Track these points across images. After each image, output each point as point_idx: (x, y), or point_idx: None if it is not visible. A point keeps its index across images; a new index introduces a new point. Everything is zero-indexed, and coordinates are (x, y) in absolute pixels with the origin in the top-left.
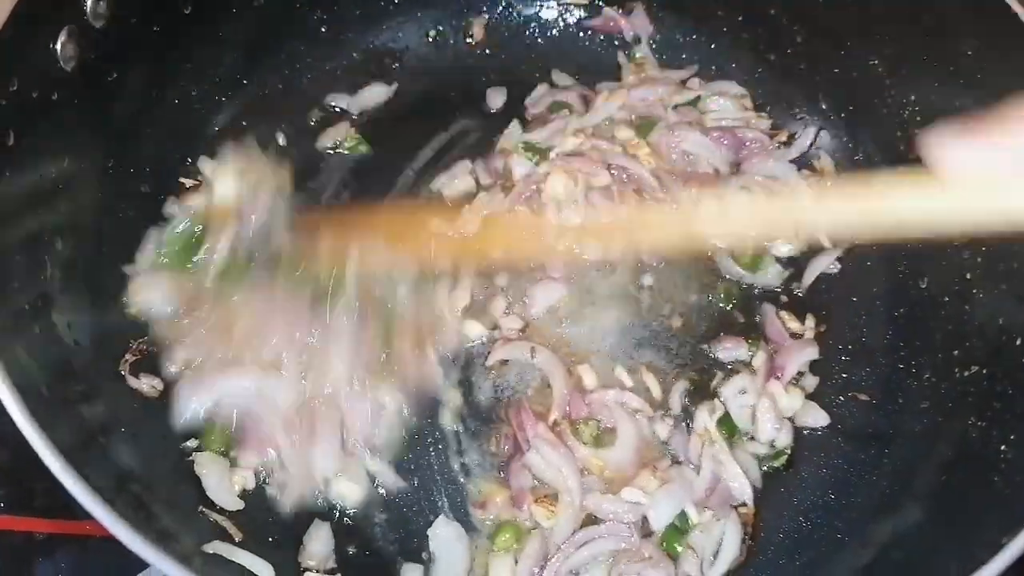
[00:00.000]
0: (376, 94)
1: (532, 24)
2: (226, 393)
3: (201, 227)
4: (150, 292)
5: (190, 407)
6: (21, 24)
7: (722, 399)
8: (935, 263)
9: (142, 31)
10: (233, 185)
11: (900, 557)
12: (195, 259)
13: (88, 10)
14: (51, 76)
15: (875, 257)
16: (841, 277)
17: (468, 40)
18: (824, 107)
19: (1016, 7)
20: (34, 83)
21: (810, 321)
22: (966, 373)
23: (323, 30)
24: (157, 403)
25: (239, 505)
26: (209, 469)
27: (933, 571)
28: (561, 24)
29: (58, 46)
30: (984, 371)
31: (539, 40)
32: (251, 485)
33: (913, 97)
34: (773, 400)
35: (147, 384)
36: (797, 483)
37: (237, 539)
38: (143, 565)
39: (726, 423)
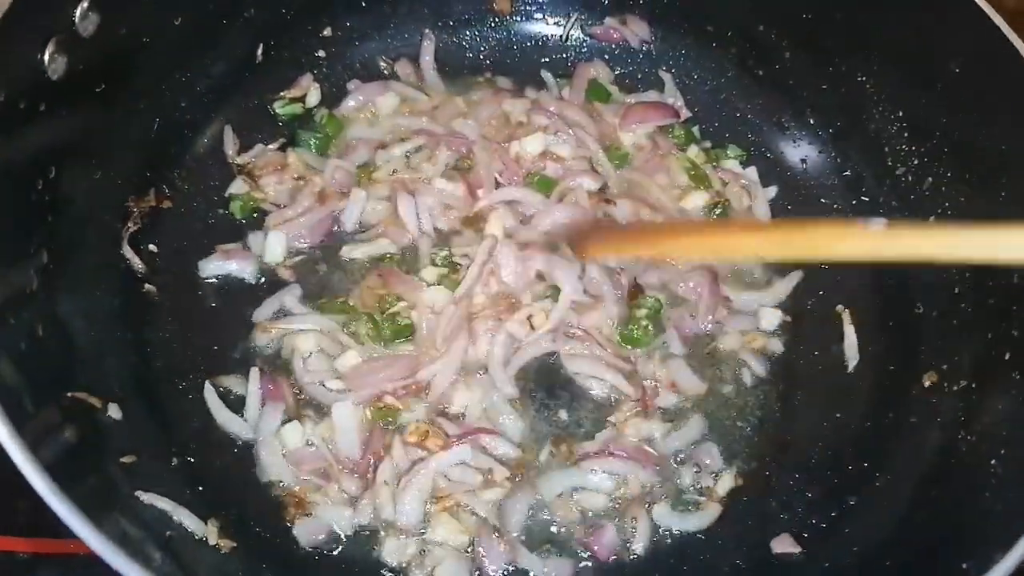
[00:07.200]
0: None
1: None
2: None
3: None
4: None
5: None
6: (7, 33)
7: None
8: None
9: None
10: None
11: None
12: None
13: (76, 20)
14: (38, 85)
15: None
16: None
17: None
18: (812, 122)
19: (1001, 24)
20: (21, 92)
21: None
22: None
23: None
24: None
25: None
26: None
27: None
28: None
29: (46, 56)
30: None
31: None
32: None
33: (901, 113)
34: None
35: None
36: None
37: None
38: None
39: None
